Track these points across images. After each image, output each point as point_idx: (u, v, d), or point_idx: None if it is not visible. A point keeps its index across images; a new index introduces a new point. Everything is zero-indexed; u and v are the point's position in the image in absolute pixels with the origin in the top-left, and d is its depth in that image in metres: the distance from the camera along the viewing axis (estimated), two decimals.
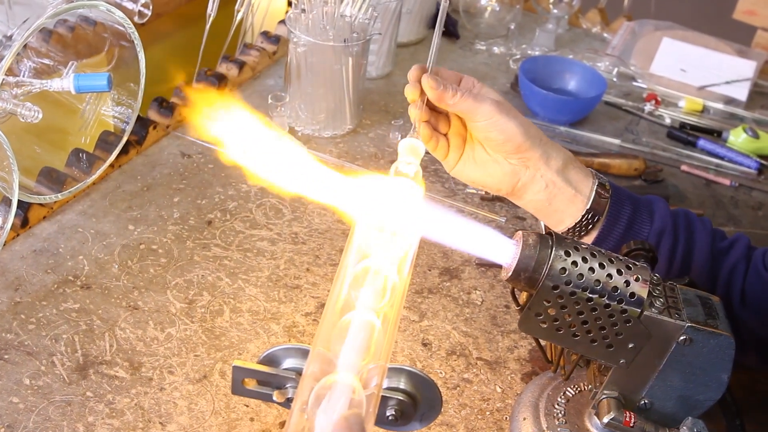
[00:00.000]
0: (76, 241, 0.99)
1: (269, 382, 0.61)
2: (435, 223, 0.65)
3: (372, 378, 0.55)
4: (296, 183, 0.62)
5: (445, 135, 0.87)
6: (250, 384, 0.62)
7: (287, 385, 0.61)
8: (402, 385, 0.60)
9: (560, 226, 0.86)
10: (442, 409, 0.70)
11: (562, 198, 0.84)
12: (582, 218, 0.84)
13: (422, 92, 0.82)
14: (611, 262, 0.68)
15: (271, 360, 0.62)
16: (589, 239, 0.86)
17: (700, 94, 1.51)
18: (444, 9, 0.85)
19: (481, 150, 0.86)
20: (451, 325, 0.95)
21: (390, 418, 0.60)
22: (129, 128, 1.06)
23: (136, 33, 1.02)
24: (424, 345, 0.92)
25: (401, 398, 0.60)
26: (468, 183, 0.89)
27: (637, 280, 0.67)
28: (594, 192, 0.84)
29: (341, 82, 1.20)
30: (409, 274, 0.60)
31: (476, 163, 0.86)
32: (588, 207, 0.84)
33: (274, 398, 0.61)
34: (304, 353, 0.62)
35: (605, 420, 0.72)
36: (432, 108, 0.85)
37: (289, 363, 0.62)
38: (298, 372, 0.61)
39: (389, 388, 0.60)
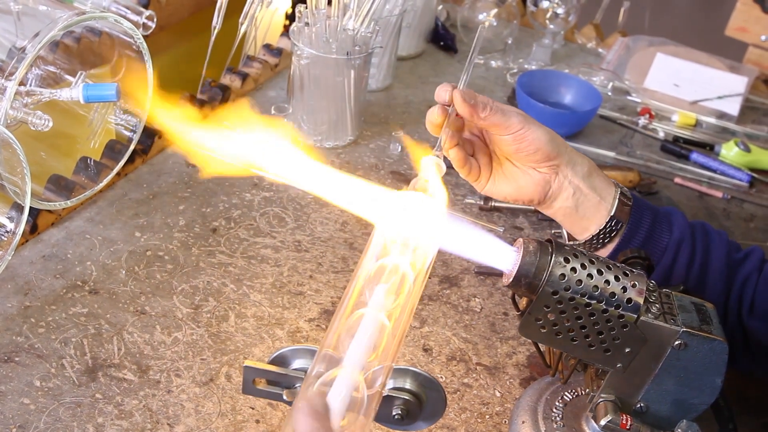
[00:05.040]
0: (84, 247, 1.01)
1: (279, 382, 0.63)
2: (441, 231, 0.67)
3: (377, 378, 0.57)
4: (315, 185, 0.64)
5: (473, 156, 0.88)
6: (260, 384, 0.64)
7: (296, 385, 0.63)
8: (408, 386, 0.62)
9: (585, 233, 0.88)
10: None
11: (588, 204, 0.86)
12: (606, 225, 0.86)
13: (447, 117, 0.83)
14: (609, 268, 0.70)
15: (280, 361, 0.64)
16: (611, 246, 0.87)
17: (693, 108, 1.54)
18: (479, 37, 0.87)
19: (509, 165, 0.87)
20: (451, 331, 0.97)
21: (396, 417, 0.62)
22: (136, 137, 1.09)
23: (144, 43, 1.04)
24: (425, 350, 0.94)
25: (407, 398, 0.62)
26: (501, 199, 0.90)
27: (633, 286, 0.70)
28: (617, 200, 0.86)
29: (343, 94, 1.22)
30: (424, 279, 0.62)
31: (507, 178, 0.88)
32: (612, 214, 0.86)
33: (284, 397, 0.63)
34: (313, 354, 0.64)
35: (602, 423, 0.74)
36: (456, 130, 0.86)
37: (298, 363, 0.64)
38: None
39: (396, 388, 0.62)
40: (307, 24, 1.19)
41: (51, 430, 0.79)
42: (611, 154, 1.37)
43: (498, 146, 0.87)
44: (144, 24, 1.22)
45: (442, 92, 0.82)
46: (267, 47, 1.44)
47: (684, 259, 0.87)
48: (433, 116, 0.83)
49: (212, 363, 0.89)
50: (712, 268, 0.88)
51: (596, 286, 0.69)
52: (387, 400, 0.62)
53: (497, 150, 0.88)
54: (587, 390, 0.79)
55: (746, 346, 0.88)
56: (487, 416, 0.88)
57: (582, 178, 0.86)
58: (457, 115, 0.83)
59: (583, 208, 0.86)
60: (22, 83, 1.00)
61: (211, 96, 1.30)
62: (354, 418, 0.53)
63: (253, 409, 0.84)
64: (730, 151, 1.40)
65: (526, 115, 0.85)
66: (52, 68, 1.10)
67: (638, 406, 0.75)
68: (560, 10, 1.63)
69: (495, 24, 1.68)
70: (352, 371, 0.54)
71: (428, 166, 0.73)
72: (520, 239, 0.71)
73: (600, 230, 0.87)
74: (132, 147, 1.09)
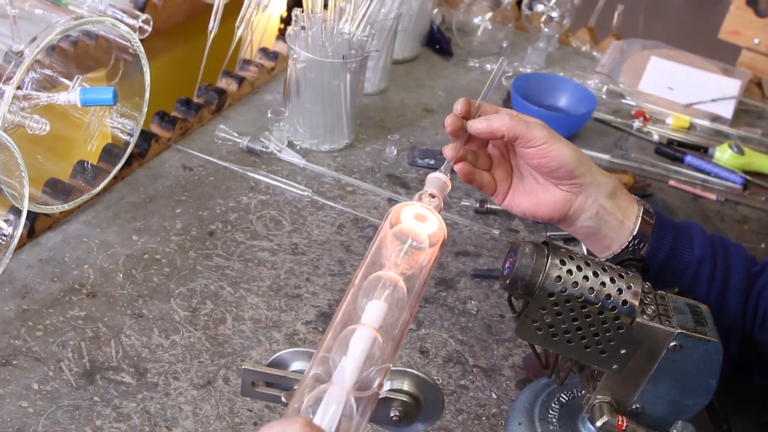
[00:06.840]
0: (81, 251, 1.01)
1: (278, 384, 0.64)
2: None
3: (374, 379, 0.57)
4: None
5: (488, 171, 0.87)
6: (259, 386, 0.64)
7: (295, 387, 0.63)
8: (406, 387, 0.63)
9: (607, 252, 0.86)
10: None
11: (610, 224, 0.84)
12: (628, 244, 0.84)
13: (461, 133, 0.82)
14: (605, 270, 0.71)
15: (279, 363, 0.64)
16: None
17: (686, 111, 1.55)
18: (501, 64, 0.88)
19: (530, 179, 0.86)
20: (448, 333, 0.98)
21: (394, 418, 0.62)
22: (134, 140, 1.09)
23: (141, 46, 1.05)
24: (422, 352, 0.95)
25: (405, 399, 0.62)
26: (519, 214, 0.88)
27: (629, 288, 0.70)
28: (640, 219, 0.85)
29: (339, 97, 1.23)
30: (423, 287, 0.63)
31: (527, 193, 0.87)
32: (635, 233, 0.84)
33: (283, 399, 0.63)
34: (311, 356, 0.64)
35: (598, 424, 0.75)
36: (471, 144, 0.86)
37: (297, 366, 0.64)
38: None
39: (394, 390, 0.63)
40: (303, 28, 1.20)
41: None
42: (606, 156, 1.38)
43: (521, 159, 0.86)
44: (140, 28, 1.23)
45: (456, 105, 0.83)
46: (263, 51, 1.45)
47: (705, 275, 0.86)
48: (449, 125, 0.82)
49: (210, 366, 0.89)
50: (732, 284, 0.86)
51: (592, 288, 0.70)
52: (385, 402, 0.62)
53: (520, 163, 0.87)
54: (583, 391, 0.79)
55: (760, 362, 0.88)
56: (484, 418, 0.88)
57: (606, 197, 0.84)
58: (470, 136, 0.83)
59: (606, 227, 0.85)
60: (19, 87, 1.01)
61: (207, 99, 1.30)
62: (347, 427, 0.53)
63: (250, 411, 0.84)
64: (723, 154, 1.41)
65: (552, 130, 0.83)
66: (48, 72, 1.10)
67: (634, 407, 0.75)
68: (555, 14, 1.64)
69: (490, 27, 1.68)
70: (341, 391, 0.54)
71: (432, 182, 0.73)
72: (517, 241, 0.72)
73: (622, 249, 0.85)
74: (129, 150, 1.10)
